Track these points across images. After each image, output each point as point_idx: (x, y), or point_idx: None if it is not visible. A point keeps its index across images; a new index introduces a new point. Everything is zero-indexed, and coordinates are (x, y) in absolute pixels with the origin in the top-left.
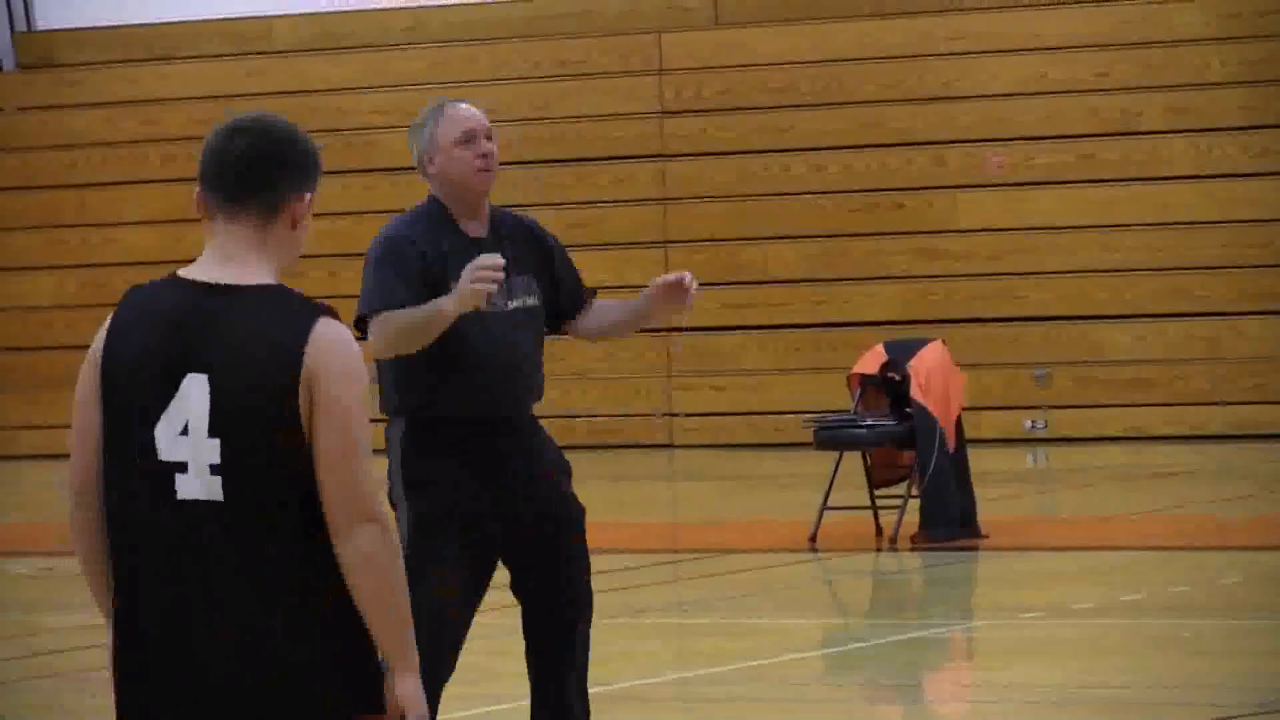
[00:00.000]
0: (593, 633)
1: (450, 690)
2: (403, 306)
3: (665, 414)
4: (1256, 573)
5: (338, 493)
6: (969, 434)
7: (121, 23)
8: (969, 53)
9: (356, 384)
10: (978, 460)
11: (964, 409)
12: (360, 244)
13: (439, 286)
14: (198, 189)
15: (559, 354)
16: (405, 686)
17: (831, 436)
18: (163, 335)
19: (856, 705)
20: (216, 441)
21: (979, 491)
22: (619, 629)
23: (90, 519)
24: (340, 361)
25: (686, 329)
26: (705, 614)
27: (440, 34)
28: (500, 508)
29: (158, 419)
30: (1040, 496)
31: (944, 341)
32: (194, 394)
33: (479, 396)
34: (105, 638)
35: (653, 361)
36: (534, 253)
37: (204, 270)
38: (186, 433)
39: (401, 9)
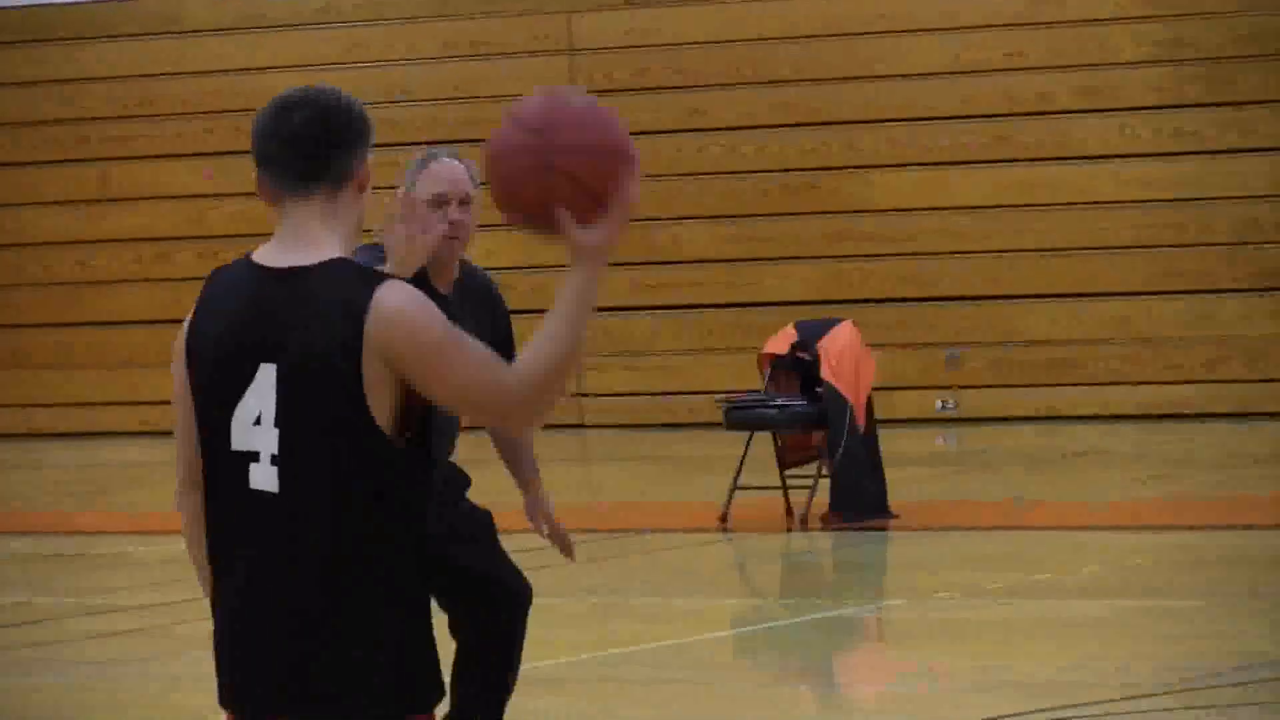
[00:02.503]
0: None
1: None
2: None
3: (576, 394)
4: (1168, 553)
5: (491, 421)
6: (881, 414)
7: (34, 2)
8: (884, 32)
9: (430, 329)
10: (889, 441)
11: (876, 389)
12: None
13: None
14: (257, 173)
15: None
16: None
17: (742, 417)
18: (239, 323)
19: (770, 686)
20: (277, 432)
21: (890, 472)
22: (534, 610)
23: (196, 502)
24: (409, 323)
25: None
26: (619, 596)
27: (353, 15)
28: None
29: (234, 407)
30: (952, 478)
31: (855, 322)
32: (264, 383)
33: None
34: (11, 619)
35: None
36: (488, 316)
37: (276, 253)
38: (259, 423)
39: None
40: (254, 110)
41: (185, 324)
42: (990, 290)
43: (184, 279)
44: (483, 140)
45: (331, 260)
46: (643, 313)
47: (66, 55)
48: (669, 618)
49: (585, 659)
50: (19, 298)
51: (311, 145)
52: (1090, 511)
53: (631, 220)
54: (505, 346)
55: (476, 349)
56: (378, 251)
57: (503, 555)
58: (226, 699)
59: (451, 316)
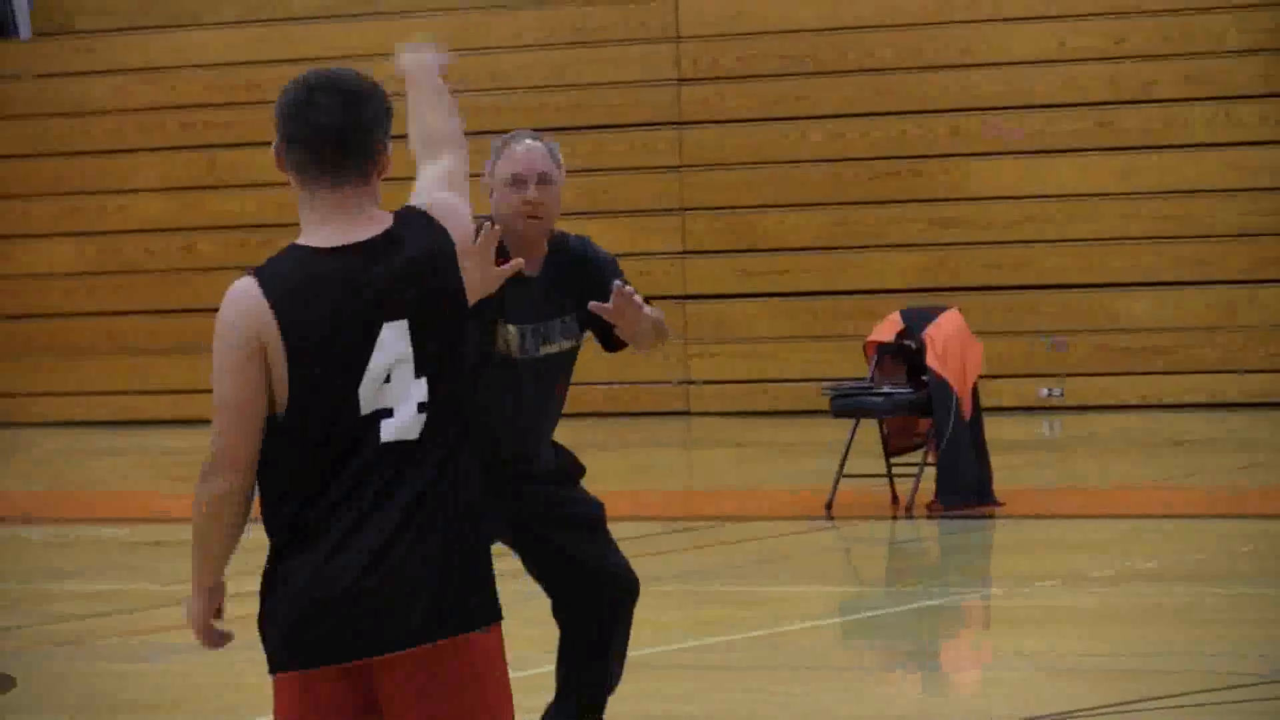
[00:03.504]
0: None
1: None
2: None
3: (683, 381)
4: (1273, 542)
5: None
6: (985, 402)
7: None
8: (986, 20)
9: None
10: (994, 428)
11: (980, 377)
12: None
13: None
14: (280, 146)
15: None
16: None
17: (848, 404)
18: (341, 300)
19: (873, 673)
20: (424, 380)
21: (995, 459)
22: None
23: (248, 486)
24: (455, 205)
25: (702, 296)
26: (721, 582)
27: (457, 1)
28: (518, 534)
29: (361, 375)
30: (1056, 465)
31: (960, 309)
32: (393, 342)
33: (498, 444)
34: (114, 605)
35: (670, 329)
36: (583, 288)
37: (335, 236)
38: (389, 380)
39: None
40: None
41: (257, 319)
42: (1093, 278)
43: None
44: (586, 128)
45: (390, 224)
46: (746, 300)
47: (169, 42)
48: (772, 604)
49: (687, 645)
50: (125, 283)
51: (347, 132)
52: (1195, 500)
53: (736, 208)
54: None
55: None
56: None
57: (612, 546)
58: (324, 652)
59: (535, 295)
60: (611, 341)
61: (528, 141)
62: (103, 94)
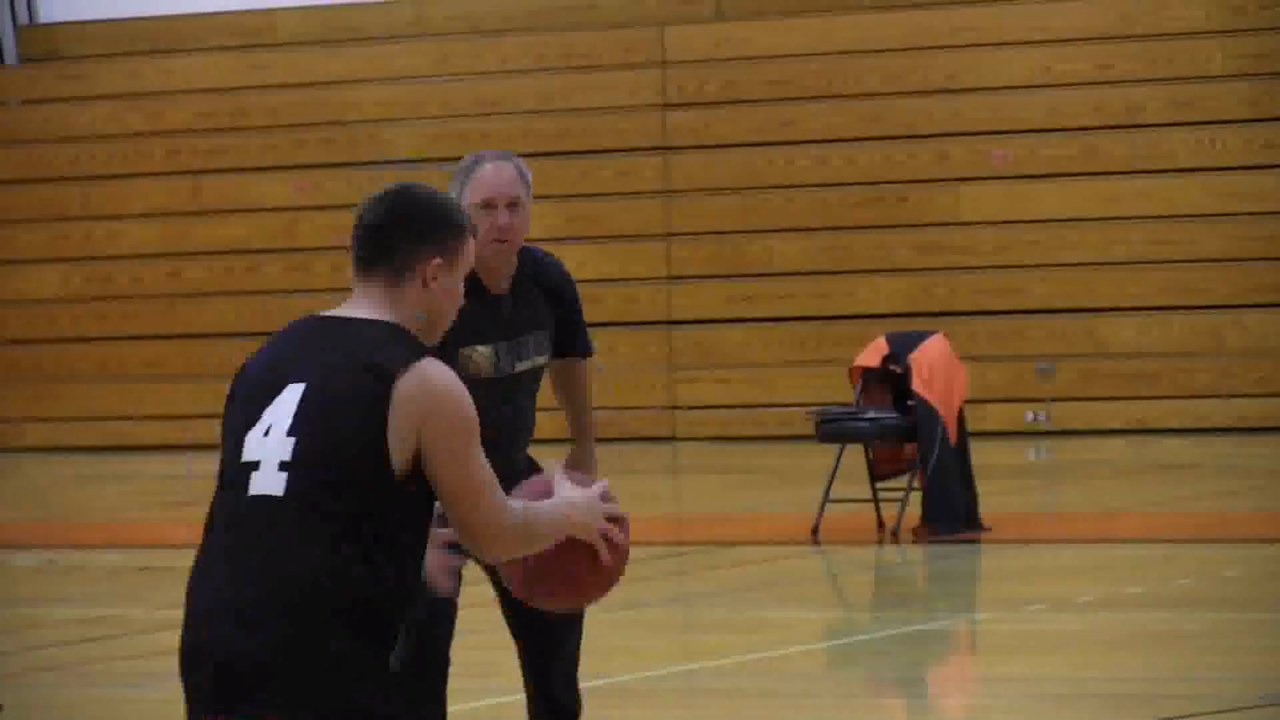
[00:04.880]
0: (596, 627)
1: (455, 684)
2: None
3: (669, 407)
4: (1260, 567)
5: (462, 531)
6: (971, 427)
7: (124, 16)
8: (972, 45)
9: (468, 415)
10: (980, 453)
11: (966, 402)
12: None
13: (449, 337)
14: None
15: None
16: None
17: (833, 429)
18: (277, 351)
19: (860, 699)
20: (293, 440)
21: (981, 484)
22: (622, 623)
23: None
24: (452, 399)
25: (687, 321)
26: (709, 607)
27: (444, 27)
28: None
29: (253, 425)
30: (1043, 490)
31: (945, 334)
32: (288, 399)
33: None
34: (103, 632)
35: (655, 355)
36: (551, 305)
37: (333, 311)
38: (268, 434)
39: (405, 2)
40: (344, 122)
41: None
42: (1079, 303)
43: (274, 291)
44: (572, 153)
45: (380, 319)
46: (733, 325)
47: (156, 68)
48: (759, 630)
49: (674, 671)
50: (110, 310)
51: (371, 235)
52: (1182, 525)
53: (722, 233)
54: (572, 332)
55: (488, 464)
56: None
57: None
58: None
59: (504, 315)
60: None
61: (497, 162)
62: (90, 120)
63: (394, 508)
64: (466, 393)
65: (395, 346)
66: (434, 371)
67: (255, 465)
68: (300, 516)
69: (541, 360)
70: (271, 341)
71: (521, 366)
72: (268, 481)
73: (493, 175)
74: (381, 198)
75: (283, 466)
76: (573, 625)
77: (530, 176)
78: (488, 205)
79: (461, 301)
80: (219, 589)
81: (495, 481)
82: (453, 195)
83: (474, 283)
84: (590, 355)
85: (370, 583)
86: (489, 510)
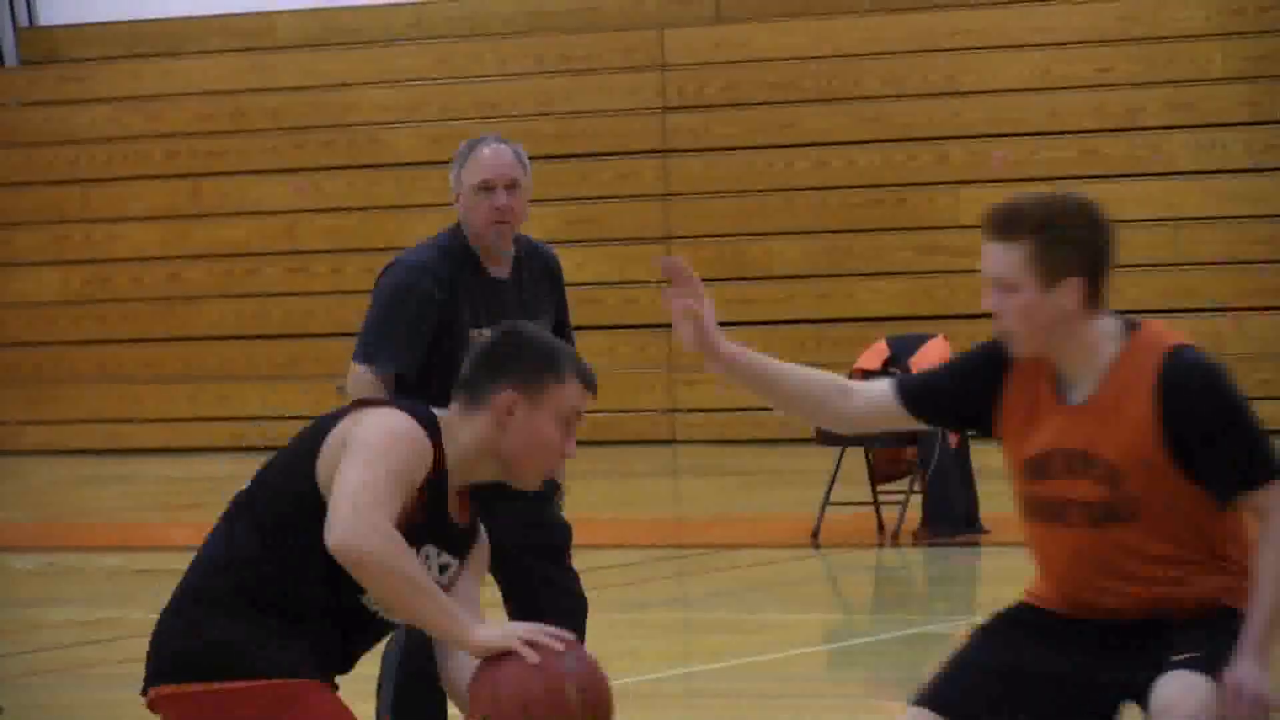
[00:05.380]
0: (596, 629)
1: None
2: (406, 368)
3: (668, 410)
4: None
5: (329, 524)
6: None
7: (124, 18)
8: (972, 48)
9: (383, 442)
10: (980, 456)
11: None
12: (365, 239)
13: (450, 326)
14: None
15: None
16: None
17: (834, 432)
18: None
19: (860, 701)
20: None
21: (981, 487)
22: (623, 625)
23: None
24: (366, 428)
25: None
26: (709, 610)
27: (444, 29)
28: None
29: None
30: None
31: (946, 337)
32: None
33: None
34: (102, 634)
35: (655, 358)
36: (550, 292)
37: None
38: None
39: (405, 4)
40: (344, 124)
41: None
42: None
43: (274, 294)
44: (572, 156)
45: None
46: (733, 327)
47: (156, 70)
48: (760, 632)
49: (674, 673)
50: (110, 312)
51: (470, 357)
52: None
53: (722, 236)
54: (562, 325)
55: (388, 490)
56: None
57: (572, 571)
58: None
59: (509, 299)
60: None
61: (495, 145)
62: (89, 123)
63: (309, 513)
64: (417, 444)
65: (391, 400)
66: (397, 416)
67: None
68: (242, 515)
69: None
70: None
71: None
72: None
73: (490, 157)
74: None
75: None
76: (579, 630)
77: (528, 160)
78: (486, 187)
79: (572, 452)
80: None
81: (389, 503)
82: (452, 175)
83: (474, 263)
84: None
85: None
86: (371, 499)
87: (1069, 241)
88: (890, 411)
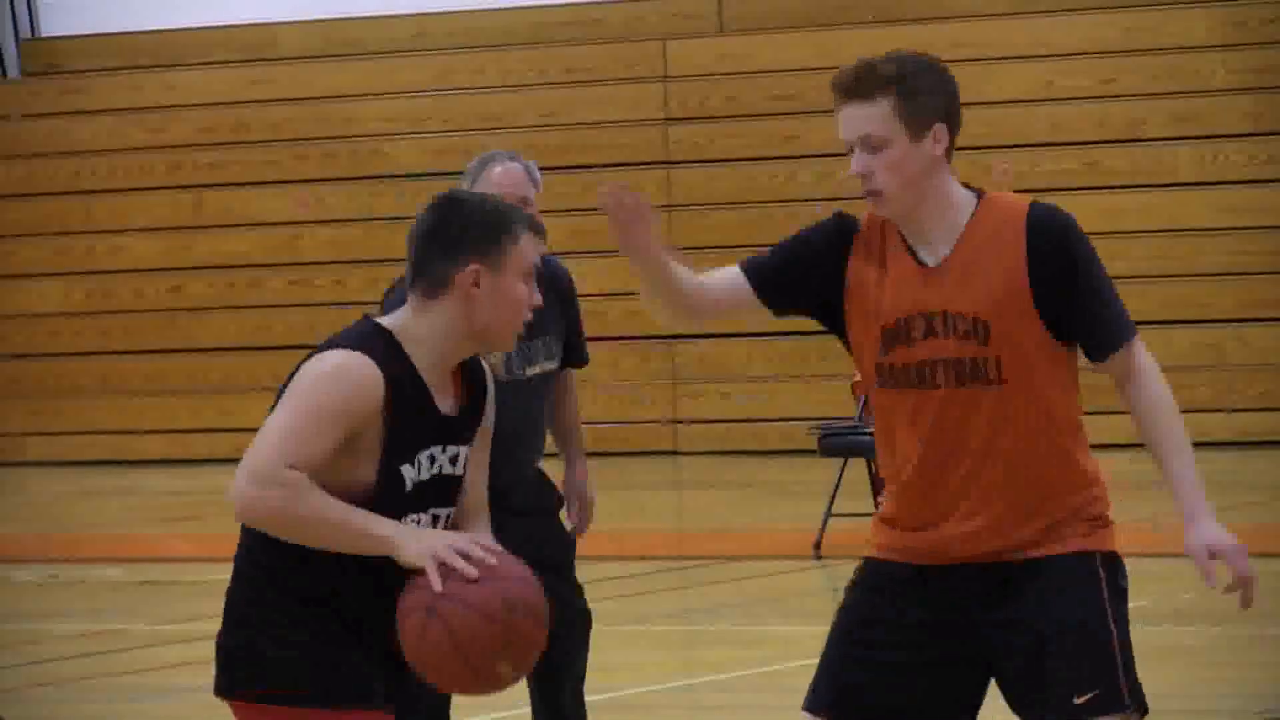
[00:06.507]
0: (598, 641)
1: (460, 699)
2: None
3: (671, 421)
4: (1262, 582)
5: (243, 463)
6: None
7: (126, 30)
8: (974, 60)
9: (303, 384)
10: None
11: None
12: (367, 251)
13: None
14: None
15: None
16: None
17: (836, 444)
18: None
19: None
20: None
21: None
22: (625, 637)
23: None
24: (311, 369)
25: (690, 335)
26: (711, 622)
27: (446, 41)
28: None
29: None
30: None
31: None
32: None
33: None
34: (105, 646)
35: (658, 370)
36: (562, 311)
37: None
38: None
39: (407, 16)
40: (347, 136)
41: None
42: None
43: (276, 305)
44: (574, 167)
45: (363, 322)
46: (736, 339)
47: (159, 82)
48: (761, 644)
49: (676, 685)
50: (112, 324)
51: (413, 246)
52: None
53: (725, 247)
54: (575, 340)
55: (305, 429)
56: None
57: (576, 585)
58: None
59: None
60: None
61: (506, 163)
62: (91, 135)
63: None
64: (346, 374)
65: (337, 339)
66: (328, 353)
67: None
68: None
69: (551, 366)
70: None
71: (532, 371)
72: None
73: (501, 175)
74: (432, 202)
75: None
76: (583, 642)
77: (539, 177)
78: None
79: (538, 301)
80: None
81: (301, 446)
82: None
83: None
84: (585, 365)
85: (296, 558)
86: (266, 450)
87: (927, 90)
88: (741, 296)
